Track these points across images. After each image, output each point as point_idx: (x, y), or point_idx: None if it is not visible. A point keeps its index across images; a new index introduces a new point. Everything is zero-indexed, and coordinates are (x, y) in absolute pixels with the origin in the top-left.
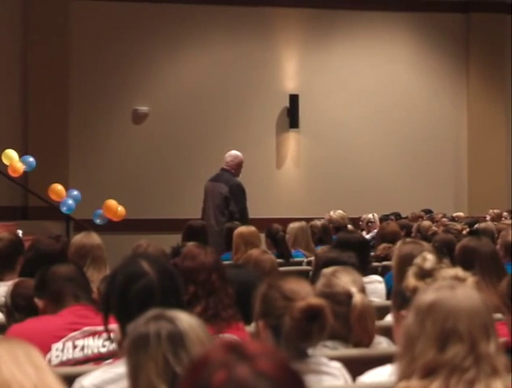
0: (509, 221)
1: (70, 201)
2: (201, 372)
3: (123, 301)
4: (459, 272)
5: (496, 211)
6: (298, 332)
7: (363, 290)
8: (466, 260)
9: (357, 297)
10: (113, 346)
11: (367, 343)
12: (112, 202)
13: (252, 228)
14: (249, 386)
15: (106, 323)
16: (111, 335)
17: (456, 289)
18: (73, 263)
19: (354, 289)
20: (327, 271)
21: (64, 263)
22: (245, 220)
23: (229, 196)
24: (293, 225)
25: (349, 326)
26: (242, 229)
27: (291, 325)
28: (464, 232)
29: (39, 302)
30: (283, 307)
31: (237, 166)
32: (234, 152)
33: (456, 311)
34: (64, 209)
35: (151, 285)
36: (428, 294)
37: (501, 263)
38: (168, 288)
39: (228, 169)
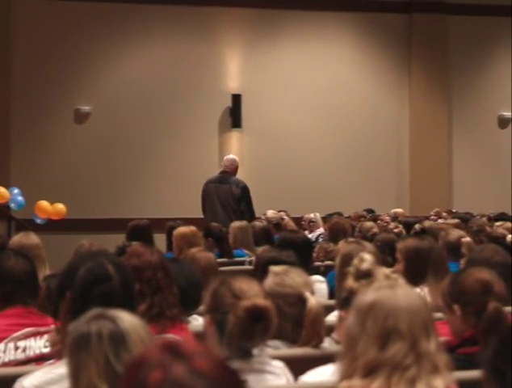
0: (451, 221)
1: (19, 197)
2: (138, 372)
3: (82, 297)
4: (386, 270)
5: (439, 210)
6: (240, 331)
7: (312, 292)
8: (417, 261)
9: (312, 301)
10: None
11: (316, 345)
12: (43, 202)
13: (193, 228)
14: (185, 385)
15: (56, 314)
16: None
17: (396, 289)
18: (28, 260)
19: (308, 292)
20: (278, 269)
21: (20, 258)
22: (254, 219)
23: (241, 197)
24: (234, 225)
25: (298, 327)
26: (184, 229)
27: (235, 323)
28: (401, 232)
29: None
30: (230, 305)
31: (236, 169)
32: (232, 156)
33: (396, 310)
34: (13, 206)
35: (113, 290)
36: (368, 294)
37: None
38: (126, 293)
39: (229, 172)
